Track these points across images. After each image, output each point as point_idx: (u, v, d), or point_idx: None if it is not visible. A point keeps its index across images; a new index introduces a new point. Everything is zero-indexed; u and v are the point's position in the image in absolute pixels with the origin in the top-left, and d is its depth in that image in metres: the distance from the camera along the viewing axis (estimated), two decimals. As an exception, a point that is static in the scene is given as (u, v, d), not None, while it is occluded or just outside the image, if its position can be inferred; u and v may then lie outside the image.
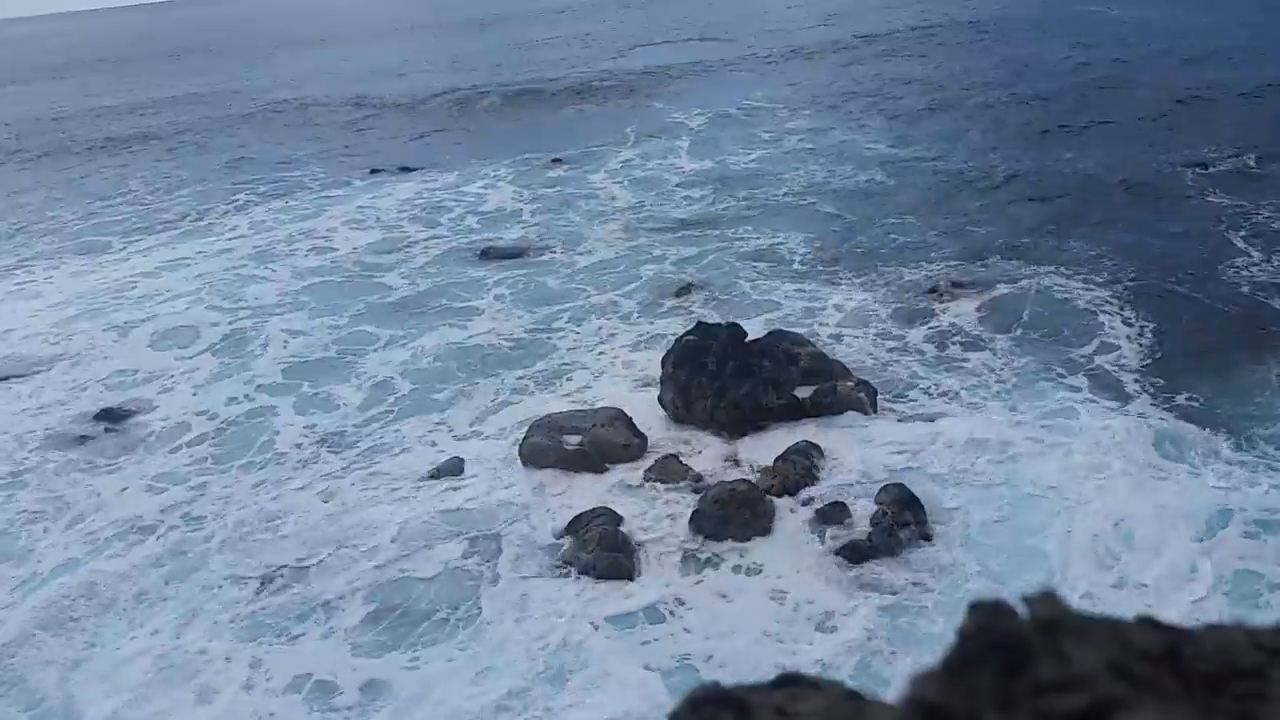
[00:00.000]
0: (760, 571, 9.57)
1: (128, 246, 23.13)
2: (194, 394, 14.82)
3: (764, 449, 11.51)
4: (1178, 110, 26.97)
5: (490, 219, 23.03)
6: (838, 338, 14.61)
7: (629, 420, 12.02)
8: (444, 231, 22.28)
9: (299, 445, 12.97)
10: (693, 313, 15.78)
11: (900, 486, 10.30)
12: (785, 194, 22.91)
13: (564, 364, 14.66)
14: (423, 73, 52.16)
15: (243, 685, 8.77)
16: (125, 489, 12.26)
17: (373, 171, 28.46)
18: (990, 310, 15.20)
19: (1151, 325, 14.21)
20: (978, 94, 32.18)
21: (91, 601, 10.03)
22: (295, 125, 39.35)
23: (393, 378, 14.78)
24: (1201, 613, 8.47)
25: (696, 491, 10.71)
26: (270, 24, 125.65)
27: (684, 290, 16.93)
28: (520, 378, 14.33)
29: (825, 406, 12.13)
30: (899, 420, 12.12)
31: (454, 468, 11.88)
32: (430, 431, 13.02)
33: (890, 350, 14.14)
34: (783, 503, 10.41)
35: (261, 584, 10.09)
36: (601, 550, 9.80)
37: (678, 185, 24.54)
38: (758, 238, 19.79)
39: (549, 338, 15.77)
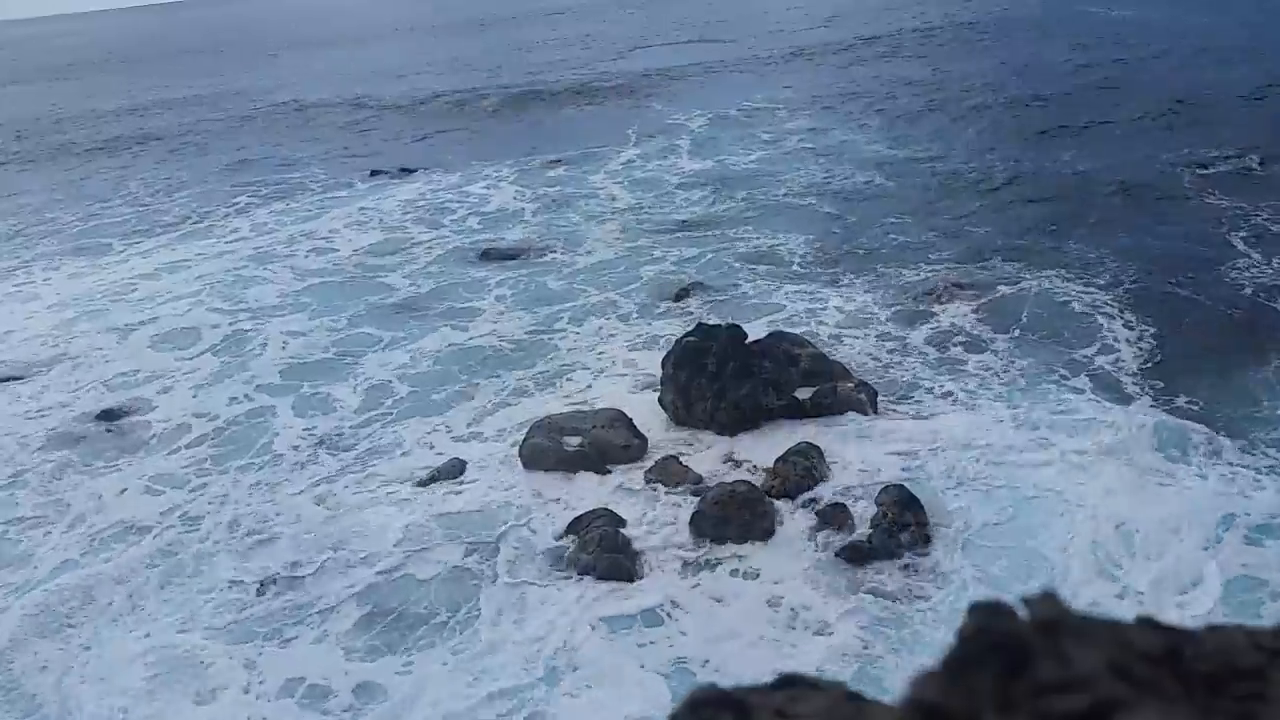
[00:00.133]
0: (760, 573, 9.56)
1: (128, 248, 23.15)
2: (193, 395, 14.82)
3: (764, 450, 11.50)
4: (1178, 110, 26.97)
5: (491, 220, 23.04)
6: (838, 339, 14.61)
7: (629, 421, 12.02)
8: (445, 232, 22.29)
9: (298, 447, 12.97)
10: (693, 314, 15.80)
11: (900, 488, 10.30)
12: (785, 194, 22.92)
13: (564, 365, 14.66)
14: (423, 74, 52.20)
15: (239, 688, 8.75)
16: (124, 490, 12.26)
17: (373, 173, 28.49)
18: (990, 311, 15.20)
19: (1152, 327, 14.17)
20: (977, 95, 32.19)
21: (89, 606, 9.99)
22: (296, 126, 39.38)
23: (392, 379, 14.79)
24: (1203, 620, 8.46)
25: (696, 493, 10.71)
26: (272, 25, 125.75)
27: (684, 291, 16.94)
28: (520, 379, 14.32)
29: (825, 407, 12.13)
30: (899, 421, 12.11)
31: (453, 469, 11.88)
32: (430, 433, 13.02)
33: (890, 351, 14.14)
34: (783, 504, 10.41)
35: (260, 587, 10.06)
36: (602, 551, 9.80)
37: (678, 186, 24.55)
38: (758, 238, 19.79)
39: (549, 338, 15.78)
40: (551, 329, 16.13)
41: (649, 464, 11.47)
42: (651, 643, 8.82)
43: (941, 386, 12.92)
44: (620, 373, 14.17)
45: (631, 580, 9.59)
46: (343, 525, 11.01)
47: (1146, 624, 1.00)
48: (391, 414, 13.68)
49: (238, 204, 26.49)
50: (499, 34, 74.48)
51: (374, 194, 26.43)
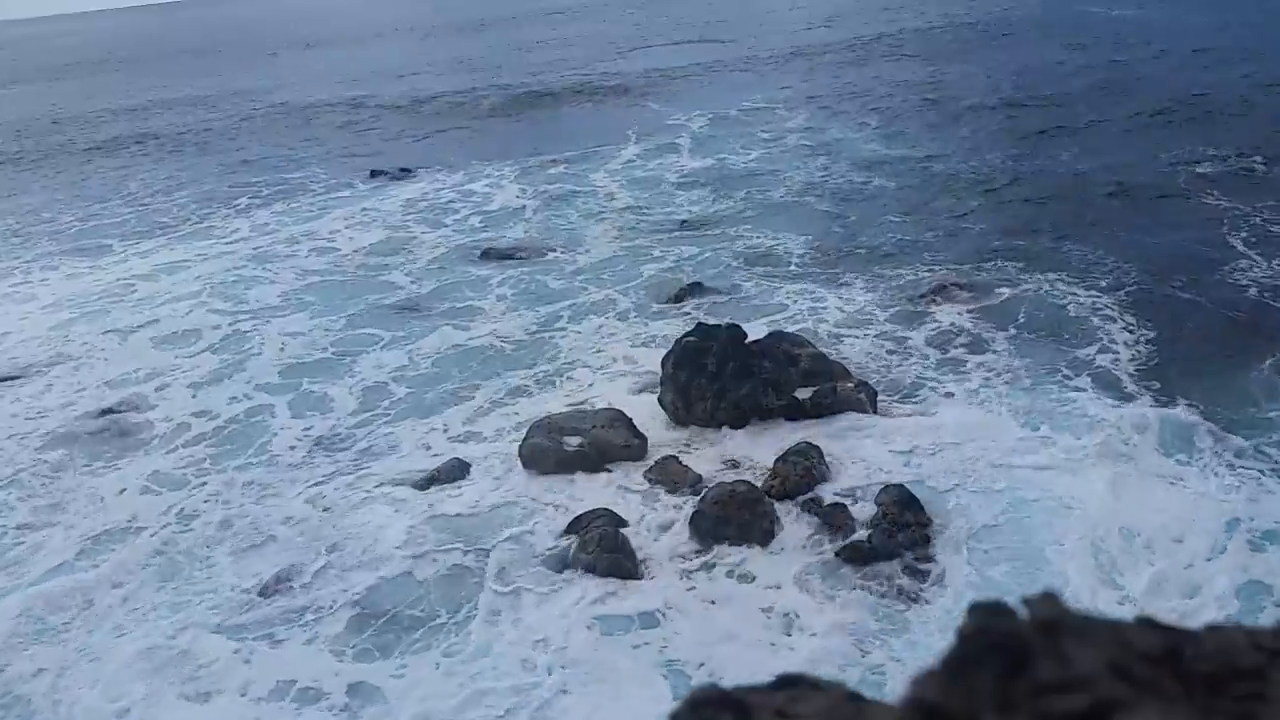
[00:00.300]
0: (759, 574, 9.56)
1: (127, 249, 23.14)
2: (193, 395, 14.81)
3: (764, 450, 11.50)
4: (1177, 110, 26.98)
5: (492, 220, 23.05)
6: (838, 338, 14.61)
7: (629, 421, 12.02)
8: (445, 232, 22.30)
9: (296, 448, 12.95)
10: (693, 313, 15.79)
11: (900, 488, 10.31)
12: (785, 194, 22.93)
13: (564, 364, 14.66)
14: (423, 74, 52.20)
15: (234, 690, 8.72)
16: (123, 490, 12.24)
17: (373, 173, 28.49)
18: (990, 311, 15.20)
19: (1153, 327, 14.12)
20: (977, 95, 32.19)
21: (86, 609, 9.95)
22: (296, 127, 39.38)
23: (392, 379, 14.78)
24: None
25: (696, 492, 10.71)
26: (271, 25, 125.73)
27: (684, 290, 16.94)
28: (520, 378, 14.32)
29: (825, 407, 12.13)
30: (899, 421, 12.11)
31: (453, 469, 11.88)
32: (430, 432, 13.02)
33: (890, 351, 14.14)
34: (782, 504, 10.41)
35: (257, 589, 10.02)
36: (602, 551, 9.80)
37: (678, 185, 24.56)
38: (758, 237, 19.80)
39: (549, 337, 15.78)
40: (551, 328, 16.13)
41: (649, 464, 11.47)
42: (649, 644, 8.81)
43: (941, 386, 12.92)
44: (620, 372, 14.17)
45: (631, 580, 9.59)
46: (341, 526, 10.99)
47: (1146, 624, 1.00)
48: (391, 414, 13.68)
49: (238, 204, 26.49)
50: (499, 34, 74.48)
51: (374, 194, 26.44)
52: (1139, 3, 49.43)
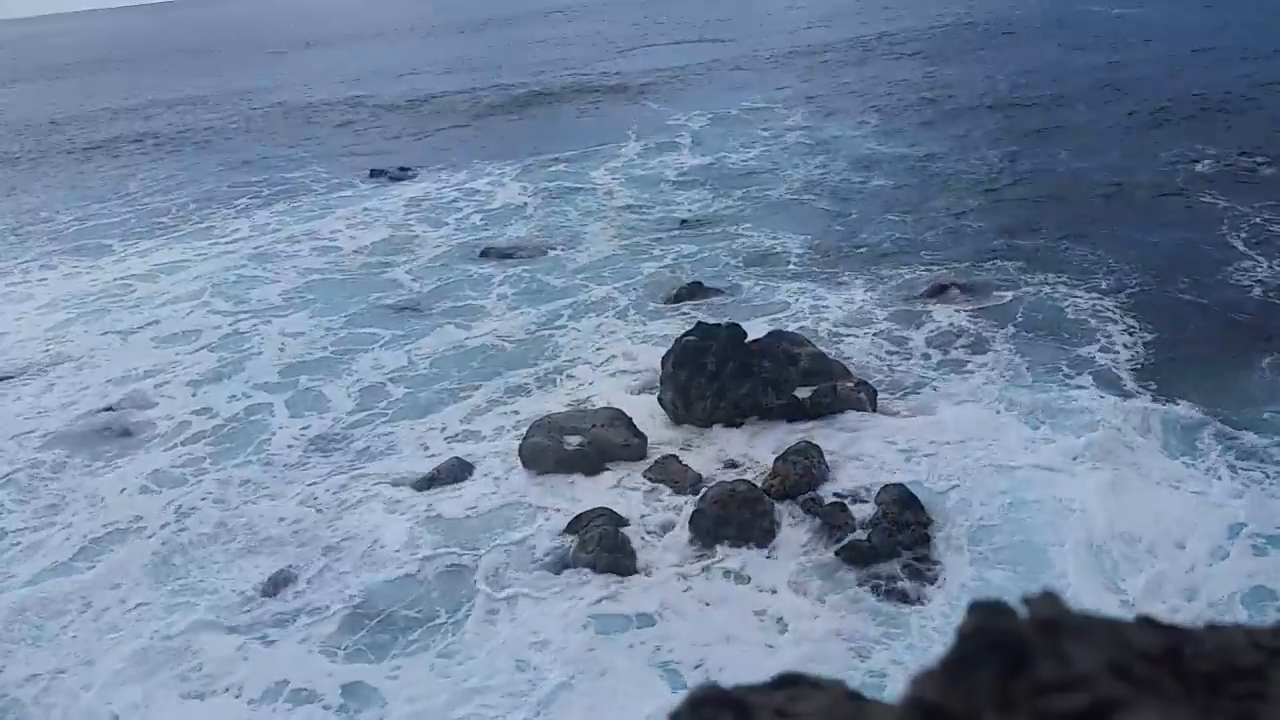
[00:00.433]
0: (759, 573, 9.56)
1: (128, 249, 23.13)
2: (192, 395, 14.81)
3: (764, 449, 11.51)
4: (1178, 111, 26.98)
5: (492, 219, 23.05)
6: (837, 338, 14.61)
7: (629, 420, 12.02)
8: (446, 231, 22.31)
9: (295, 448, 12.93)
10: (692, 312, 15.78)
11: (900, 487, 10.31)
12: (785, 193, 22.94)
13: (564, 364, 14.66)
14: (423, 74, 52.20)
15: (228, 691, 8.71)
16: (122, 490, 12.22)
17: (373, 173, 28.49)
18: (990, 311, 15.19)
19: (1155, 328, 14.07)
20: (977, 94, 32.19)
21: (84, 612, 9.93)
22: (296, 126, 39.38)
23: (392, 378, 14.78)
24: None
25: (696, 492, 10.72)
26: (269, 25, 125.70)
27: (684, 290, 16.93)
28: (520, 378, 14.32)
29: (825, 407, 12.13)
30: (899, 420, 12.11)
31: (453, 468, 11.87)
32: (429, 432, 13.01)
33: (890, 350, 14.14)
34: (782, 503, 10.40)
35: (256, 589, 10.00)
36: (602, 551, 9.80)
37: (678, 184, 24.57)
38: (758, 236, 19.80)
39: (550, 335, 15.78)
40: (551, 327, 16.14)
41: (649, 463, 11.48)
42: (647, 643, 8.80)
43: (942, 386, 12.91)
44: (620, 371, 14.17)
45: (630, 580, 9.59)
46: (339, 527, 10.97)
47: (1146, 623, 1.00)
48: (391, 413, 13.67)
49: (239, 204, 26.49)
50: (499, 34, 74.48)
51: (375, 193, 26.45)
52: (1139, 1, 49.43)
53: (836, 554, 9.60)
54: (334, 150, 33.41)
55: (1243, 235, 17.36)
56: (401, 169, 28.66)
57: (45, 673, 9.10)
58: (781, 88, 37.08)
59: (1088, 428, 11.48)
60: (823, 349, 13.51)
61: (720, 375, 12.16)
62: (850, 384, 12.55)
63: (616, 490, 11.06)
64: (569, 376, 14.24)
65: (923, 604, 8.98)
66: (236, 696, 8.66)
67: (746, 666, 8.30)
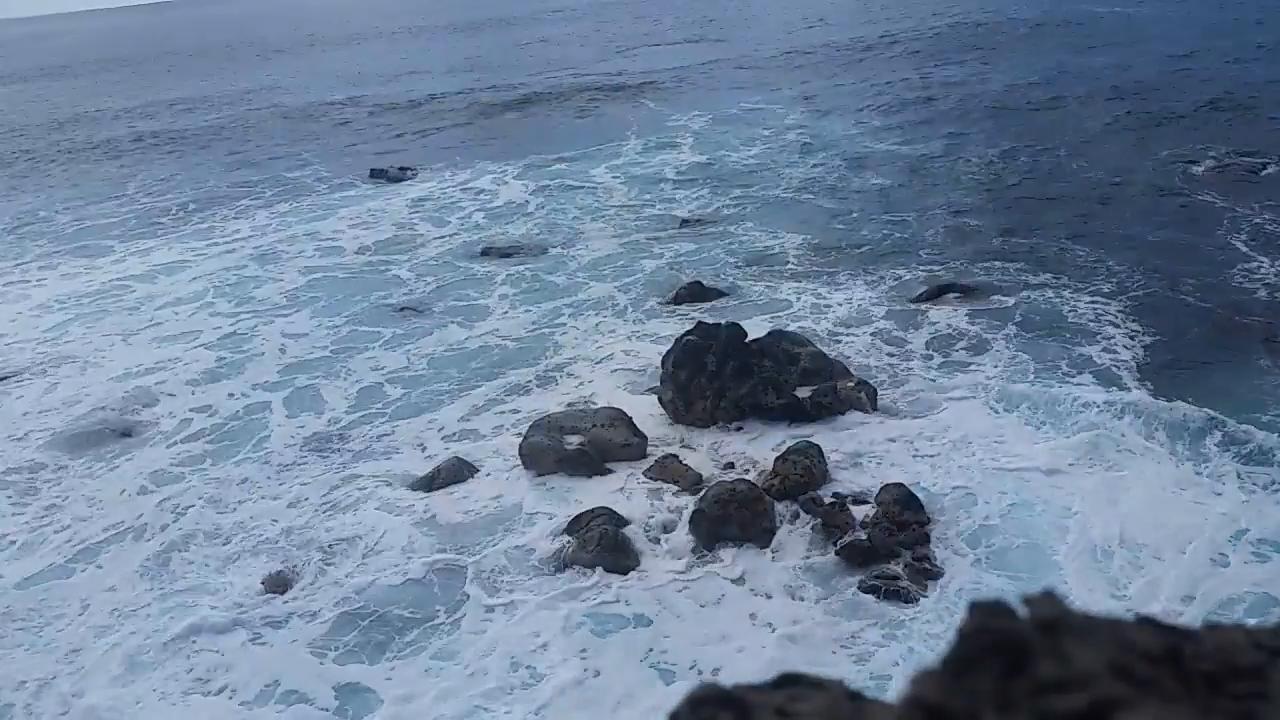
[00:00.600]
0: (759, 572, 9.56)
1: (128, 249, 23.13)
2: (193, 395, 14.80)
3: (764, 449, 11.50)
4: (1179, 111, 26.97)
5: (493, 219, 23.06)
6: (837, 337, 14.61)
7: (629, 420, 12.02)
8: (447, 231, 22.31)
9: (295, 448, 12.91)
10: (692, 312, 15.77)
11: (900, 486, 10.30)
12: (785, 193, 22.94)
13: (565, 363, 14.66)
14: (423, 74, 52.20)
15: (221, 691, 8.69)
16: (122, 491, 12.21)
17: (374, 173, 28.49)
18: (990, 311, 15.18)
19: (1157, 330, 14.00)
20: (978, 95, 32.18)
21: (80, 615, 9.90)
22: (296, 127, 39.38)
23: (393, 378, 14.77)
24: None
25: (696, 492, 10.71)
26: (271, 25, 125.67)
27: (684, 289, 16.92)
28: (521, 377, 14.32)
29: (825, 406, 12.13)
30: (899, 420, 12.11)
31: (453, 467, 11.87)
32: (430, 431, 13.01)
33: (890, 350, 14.13)
34: (782, 503, 10.40)
35: (253, 590, 9.98)
36: (602, 550, 9.80)
37: (678, 184, 24.57)
38: (758, 236, 19.81)
39: (550, 334, 15.79)
40: (552, 325, 16.14)
41: (649, 463, 11.47)
42: (645, 643, 8.79)
43: (942, 385, 12.91)
44: (620, 371, 14.17)
45: (630, 579, 9.59)
46: (337, 527, 10.95)
47: (1146, 623, 1.00)
48: (391, 413, 13.66)
49: (242, 205, 26.48)
50: (499, 34, 74.47)
51: (376, 193, 26.45)
52: (1141, 1, 49.42)
53: (836, 554, 9.60)
54: (334, 150, 33.41)
55: (1243, 236, 17.33)
56: (402, 169, 28.66)
57: (39, 677, 9.05)
58: (781, 87, 37.08)
59: (1089, 428, 11.47)
60: (823, 348, 13.51)
61: (720, 375, 12.16)
62: (850, 384, 12.55)
63: (617, 490, 11.05)
64: (569, 375, 14.23)
65: (922, 603, 8.97)
66: (231, 697, 8.64)
67: (746, 666, 8.31)
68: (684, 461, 11.40)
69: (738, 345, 12.47)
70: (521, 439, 12.00)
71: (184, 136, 39.31)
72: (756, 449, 11.60)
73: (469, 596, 9.61)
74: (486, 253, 20.30)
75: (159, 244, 23.29)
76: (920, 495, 10.22)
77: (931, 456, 11.20)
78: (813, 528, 10.04)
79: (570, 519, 10.44)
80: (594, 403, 13.01)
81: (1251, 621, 7.38)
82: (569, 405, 13.06)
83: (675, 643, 8.76)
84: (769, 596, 9.23)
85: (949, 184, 22.57)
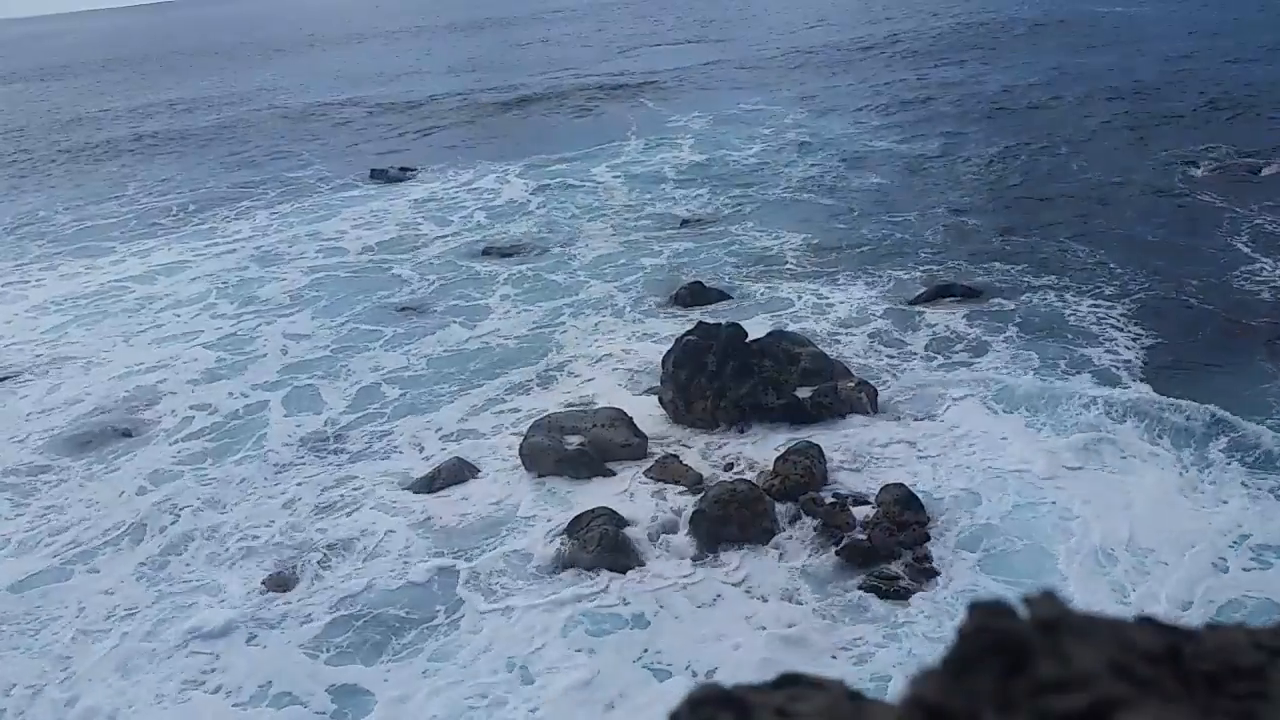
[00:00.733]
0: (759, 573, 9.55)
1: (129, 250, 23.13)
2: (193, 395, 14.79)
3: (764, 449, 11.50)
4: (1179, 111, 26.96)
5: (495, 219, 23.07)
6: (838, 337, 14.60)
7: (629, 420, 12.02)
8: (448, 231, 22.32)
9: (295, 448, 12.90)
10: (693, 312, 15.77)
11: (900, 487, 10.30)
12: (785, 193, 22.94)
13: (565, 362, 14.66)
14: (424, 74, 52.22)
15: (216, 691, 8.68)
16: (121, 492, 12.18)
17: (374, 173, 28.49)
18: (991, 312, 15.17)
19: (1159, 331, 13.95)
20: (978, 95, 32.18)
21: (77, 617, 9.87)
22: (297, 127, 39.38)
23: (393, 378, 14.77)
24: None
25: (696, 492, 10.71)
26: (271, 25, 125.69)
27: (684, 289, 16.92)
28: (521, 377, 14.32)
29: (826, 407, 12.13)
30: (899, 420, 12.11)
31: (453, 467, 11.87)
32: (431, 431, 13.00)
33: (891, 350, 14.13)
34: (783, 503, 10.40)
35: (250, 590, 9.96)
36: (602, 550, 9.80)
37: (678, 184, 24.58)
38: (758, 236, 19.81)
39: (551, 333, 15.80)
40: (553, 325, 16.15)
41: (649, 463, 11.48)
42: (643, 644, 8.77)
43: (943, 386, 12.90)
44: (620, 371, 14.17)
45: (630, 579, 9.59)
46: (336, 528, 10.93)
47: (1147, 623, 1.00)
48: (391, 413, 13.66)
49: (243, 205, 26.46)
50: (499, 34, 74.48)
51: (377, 193, 26.46)
52: (1143, 1, 49.42)
53: (837, 554, 9.60)
54: (335, 150, 33.42)
55: (1244, 236, 17.31)
56: (403, 169, 28.67)
57: (33, 680, 9.01)
58: (781, 87, 37.07)
59: (1090, 429, 11.45)
60: (823, 349, 13.50)
61: (721, 375, 12.16)
62: (851, 384, 12.55)
63: (616, 490, 11.05)
64: (569, 375, 14.24)
65: (923, 603, 8.97)
66: (226, 698, 8.61)
67: (746, 666, 8.30)
68: (684, 462, 11.41)
69: (738, 345, 12.47)
70: (522, 439, 12.00)
71: (184, 136, 39.31)
72: (757, 449, 11.60)
73: (467, 597, 9.59)
74: (487, 252, 20.31)
75: (160, 244, 23.29)
76: (921, 496, 10.22)
77: (932, 457, 11.19)
78: (813, 528, 10.04)
79: (570, 519, 10.43)
80: (594, 403, 13.01)
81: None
82: (569, 405, 13.06)
83: (674, 643, 8.75)
84: (769, 597, 9.23)
85: (949, 184, 22.57)
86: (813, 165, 25.23)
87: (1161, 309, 14.73)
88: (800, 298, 16.35)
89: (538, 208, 23.63)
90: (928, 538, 9.76)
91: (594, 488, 11.13)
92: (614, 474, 11.41)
